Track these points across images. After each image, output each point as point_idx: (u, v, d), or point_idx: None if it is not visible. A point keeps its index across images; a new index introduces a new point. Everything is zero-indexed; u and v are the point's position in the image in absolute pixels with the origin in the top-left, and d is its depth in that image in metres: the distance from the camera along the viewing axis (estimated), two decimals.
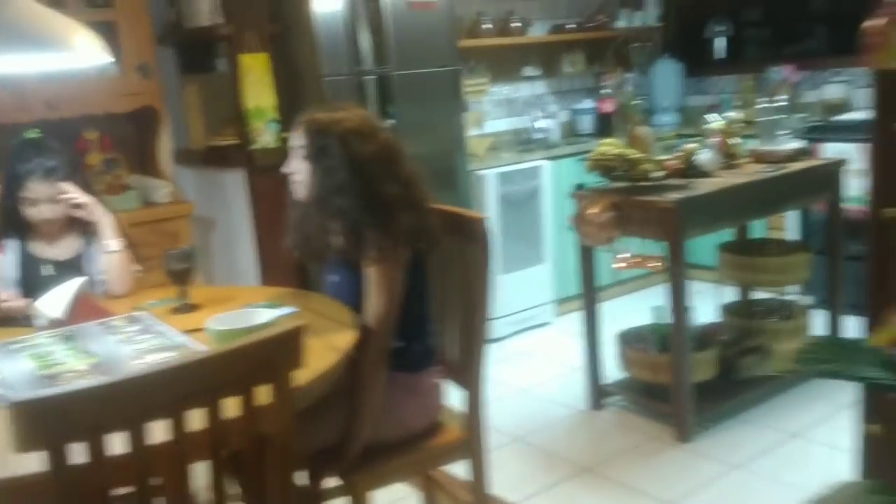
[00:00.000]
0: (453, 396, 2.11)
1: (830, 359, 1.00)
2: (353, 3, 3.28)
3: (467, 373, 2.07)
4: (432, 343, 2.08)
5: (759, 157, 3.33)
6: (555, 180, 4.17)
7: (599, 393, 3.25)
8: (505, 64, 4.63)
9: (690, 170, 3.13)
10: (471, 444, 2.07)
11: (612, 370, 3.23)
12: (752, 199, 3.09)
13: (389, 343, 1.91)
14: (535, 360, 3.84)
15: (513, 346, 4.02)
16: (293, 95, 3.29)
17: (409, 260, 1.92)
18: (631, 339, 3.19)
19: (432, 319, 2.09)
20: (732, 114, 3.44)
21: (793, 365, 0.98)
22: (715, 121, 3.38)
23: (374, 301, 1.88)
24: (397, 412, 1.98)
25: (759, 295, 3.62)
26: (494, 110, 4.64)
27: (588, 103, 4.88)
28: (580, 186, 3.17)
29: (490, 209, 3.94)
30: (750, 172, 3.18)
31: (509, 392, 3.47)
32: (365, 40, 3.32)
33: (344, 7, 3.27)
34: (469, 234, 2.06)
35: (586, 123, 4.86)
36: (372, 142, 1.88)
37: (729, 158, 3.30)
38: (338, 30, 3.26)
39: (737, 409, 3.04)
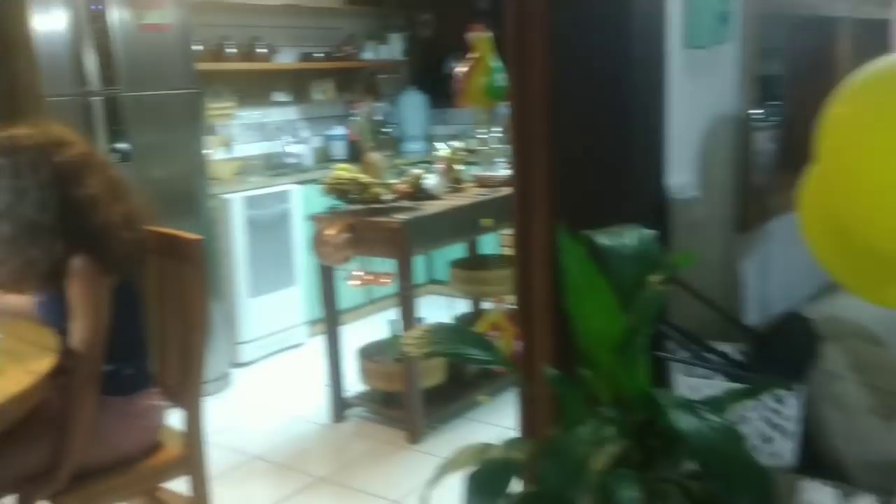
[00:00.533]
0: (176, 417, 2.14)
1: (443, 342, 1.21)
2: (77, 23, 3.19)
3: (185, 393, 2.11)
4: (147, 365, 2.10)
5: (481, 182, 3.69)
6: (306, 204, 4.29)
7: (342, 406, 3.40)
8: (253, 88, 4.69)
9: (419, 193, 3.41)
10: (190, 461, 2.11)
11: (357, 384, 3.40)
12: (473, 218, 3.43)
13: (98, 366, 1.90)
14: (285, 380, 3.91)
15: (263, 369, 4.06)
16: (13, 116, 3.11)
17: (115, 282, 1.93)
18: (370, 353, 3.38)
19: (147, 342, 2.11)
20: (456, 143, 3.80)
21: (412, 348, 1.18)
22: (442, 149, 3.71)
23: (79, 324, 1.86)
24: (111, 436, 1.98)
25: (488, 305, 3.98)
26: (243, 134, 4.67)
27: (339, 130, 5.07)
28: (332, 210, 3.33)
29: (236, 233, 3.97)
30: (472, 195, 3.52)
31: (255, 413, 3.51)
32: (90, 60, 3.24)
33: (67, 26, 3.16)
34: (184, 255, 2.10)
35: (339, 149, 5.04)
36: (48, 162, 1.82)
37: (454, 183, 3.63)
38: (61, 49, 3.15)
39: (463, 409, 3.34)
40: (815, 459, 1.40)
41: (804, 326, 1.47)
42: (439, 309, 3.91)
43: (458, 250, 4.04)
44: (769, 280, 1.92)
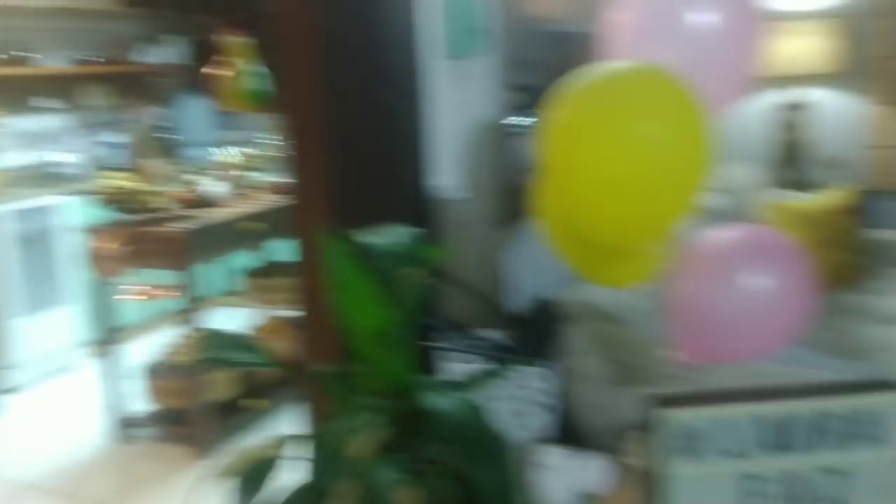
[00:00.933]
0: None
1: (214, 349, 1.22)
2: None
3: None
4: None
5: (270, 188, 3.66)
6: (79, 216, 3.99)
7: (126, 428, 3.21)
8: (19, 95, 4.30)
9: (204, 201, 3.31)
10: None
11: (145, 403, 3.23)
12: (262, 225, 3.38)
13: None
14: (62, 404, 3.62)
15: (37, 393, 3.73)
16: None
17: None
18: (157, 370, 3.23)
19: None
20: (244, 148, 3.74)
21: (183, 357, 1.16)
22: (229, 155, 3.63)
23: None
24: None
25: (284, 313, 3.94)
26: (8, 143, 4.26)
27: (116, 137, 4.78)
28: (109, 221, 3.13)
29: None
30: (260, 202, 3.48)
31: (29, 439, 3.24)
32: None
33: None
34: None
35: (116, 157, 4.74)
36: None
37: (242, 189, 3.57)
38: None
39: (257, 420, 3.28)
40: (569, 429, 1.56)
41: (555, 310, 1.64)
42: (236, 320, 3.81)
43: (254, 259, 3.96)
44: (532, 271, 2.10)
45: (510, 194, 1.89)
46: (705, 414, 1.08)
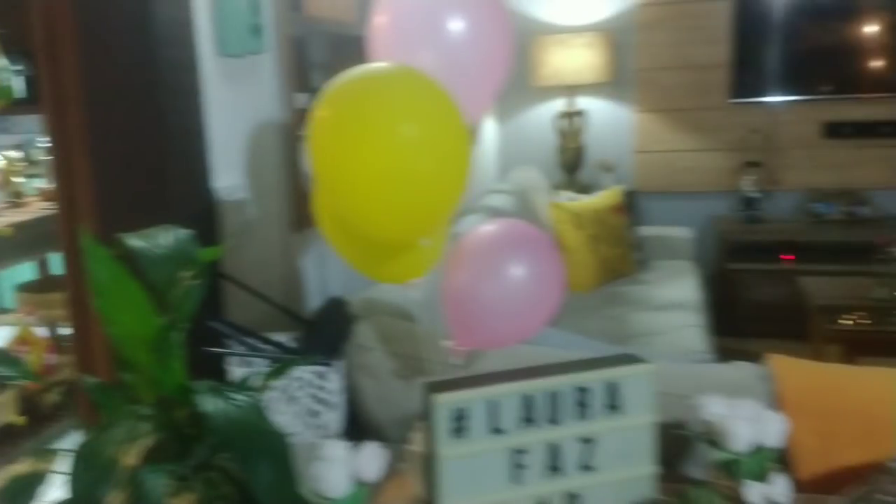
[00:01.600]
0: None
1: None
2: None
3: None
4: None
5: (46, 195, 3.38)
6: None
7: None
8: None
9: None
10: None
11: None
12: (37, 235, 3.12)
13: None
14: None
15: None
16: None
17: None
18: None
19: None
20: (14, 153, 3.43)
21: None
22: None
23: None
24: None
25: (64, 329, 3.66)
26: None
27: None
28: None
29: None
30: (35, 210, 3.22)
31: None
32: None
33: None
34: None
35: None
36: None
37: (14, 197, 3.28)
38: None
39: (45, 442, 3.02)
40: (358, 423, 1.60)
41: (343, 309, 1.67)
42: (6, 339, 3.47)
43: (29, 273, 3.65)
44: (328, 272, 2.12)
45: (302, 197, 1.90)
46: (473, 395, 1.15)
